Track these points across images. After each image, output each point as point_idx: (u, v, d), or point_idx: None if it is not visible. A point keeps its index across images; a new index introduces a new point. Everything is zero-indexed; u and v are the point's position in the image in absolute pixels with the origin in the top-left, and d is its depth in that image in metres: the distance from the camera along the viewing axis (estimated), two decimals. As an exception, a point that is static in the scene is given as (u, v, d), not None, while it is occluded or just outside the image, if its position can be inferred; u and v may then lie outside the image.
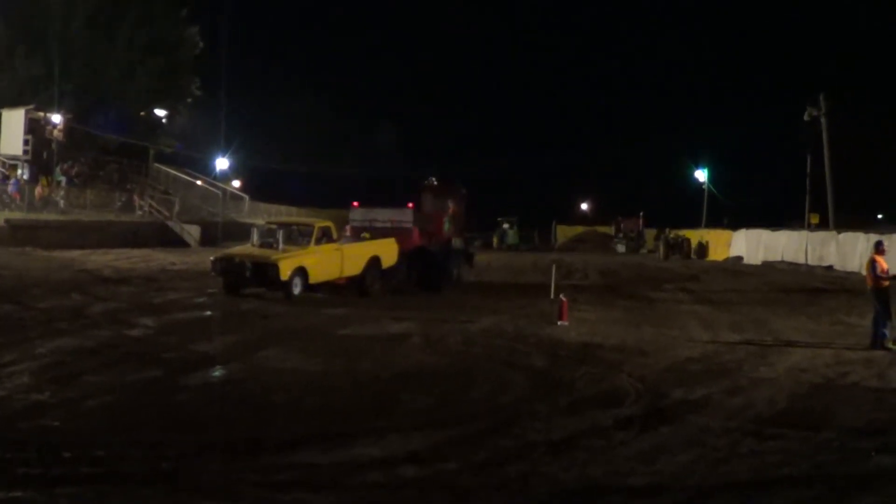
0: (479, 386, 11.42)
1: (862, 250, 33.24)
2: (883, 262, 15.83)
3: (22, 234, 32.13)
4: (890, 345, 15.28)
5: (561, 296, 18.60)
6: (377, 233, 24.36)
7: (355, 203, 26.45)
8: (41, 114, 44.53)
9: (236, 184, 64.77)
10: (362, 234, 24.19)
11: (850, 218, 44.94)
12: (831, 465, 8.21)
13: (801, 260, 40.40)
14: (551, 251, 59.80)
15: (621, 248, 62.84)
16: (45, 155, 44.59)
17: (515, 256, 50.40)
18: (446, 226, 27.14)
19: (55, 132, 44.98)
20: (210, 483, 7.11)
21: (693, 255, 52.67)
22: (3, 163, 42.65)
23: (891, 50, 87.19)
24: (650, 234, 63.94)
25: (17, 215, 35.53)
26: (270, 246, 21.17)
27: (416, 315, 18.35)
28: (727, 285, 30.31)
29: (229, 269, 20.70)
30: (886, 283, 15.62)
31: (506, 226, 63.40)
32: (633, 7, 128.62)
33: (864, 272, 17.56)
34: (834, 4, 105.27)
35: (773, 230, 46.24)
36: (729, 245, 50.75)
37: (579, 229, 74.06)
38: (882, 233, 30.42)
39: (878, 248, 16.40)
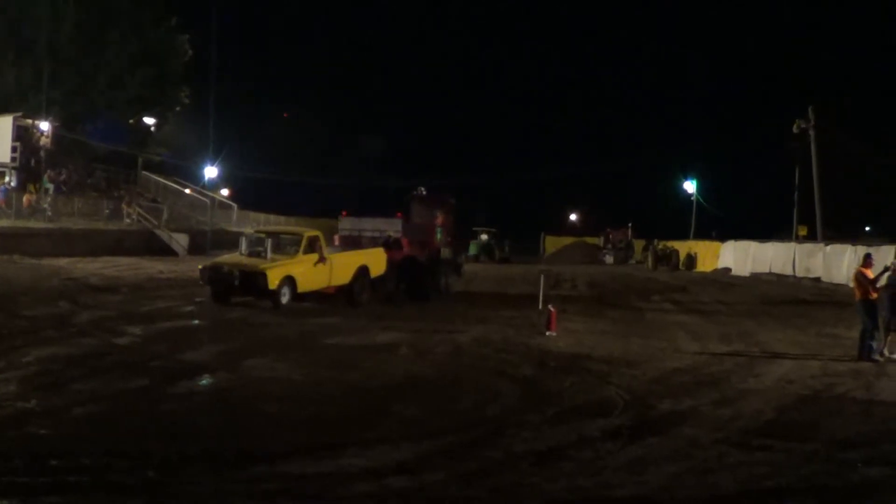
0: (467, 396, 11.42)
1: (849, 262, 33.37)
2: (871, 275, 15.91)
3: (9, 241, 31.95)
4: (877, 356, 15.36)
5: (549, 306, 18.62)
6: (366, 242, 24.43)
7: (344, 212, 26.51)
8: (29, 121, 44.38)
9: (225, 192, 64.60)
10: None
11: (838, 230, 45.08)
12: (818, 477, 8.23)
13: (789, 272, 40.53)
14: (539, 262, 59.79)
15: (610, 259, 62.82)
16: (33, 162, 44.43)
17: (503, 267, 50.45)
18: (438, 236, 27.17)
19: (43, 139, 44.84)
20: (197, 493, 7.08)
21: (681, 267, 52.80)
22: (-9, 170, 42.51)
23: (880, 62, 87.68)
24: (639, 245, 64.06)
25: (4, 223, 35.38)
26: (259, 255, 21.13)
27: (404, 325, 18.35)
28: (715, 297, 30.38)
29: (217, 277, 20.63)
30: (874, 294, 15.69)
31: (484, 237, 62.82)
32: (622, 20, 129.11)
33: (851, 284, 17.63)
34: (823, 18, 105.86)
35: (761, 242, 46.38)
36: (717, 256, 50.90)
37: (568, 240, 74.05)
38: (870, 245, 30.55)
39: (867, 261, 16.48)
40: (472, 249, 59.66)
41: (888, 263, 16.56)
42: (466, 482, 7.67)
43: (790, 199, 47.40)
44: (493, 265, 52.64)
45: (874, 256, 17.24)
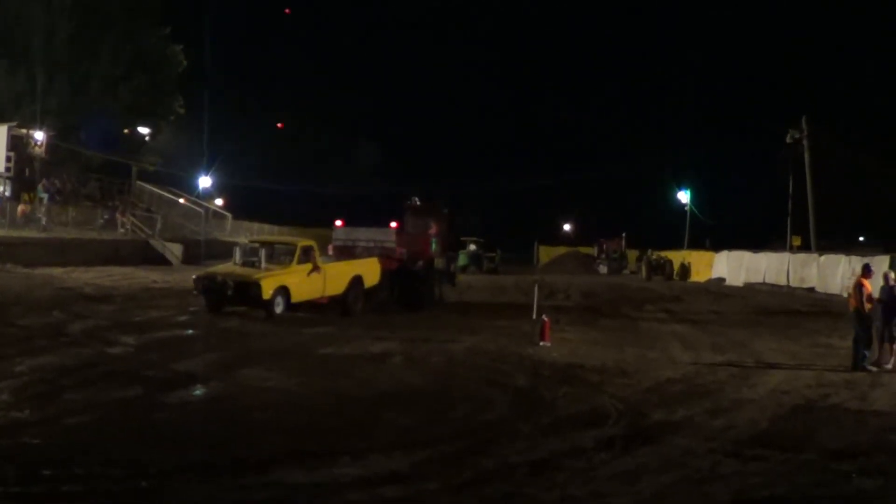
0: (461, 405, 11.39)
1: (843, 272, 33.44)
2: (868, 287, 15.92)
3: (3, 251, 31.90)
4: (871, 367, 15.37)
5: (543, 316, 18.61)
6: (360, 252, 24.49)
7: (338, 222, 26.48)
8: (24, 130, 44.43)
9: (219, 202, 64.55)
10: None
11: (832, 240, 45.16)
12: (812, 487, 8.23)
13: (783, 282, 40.58)
14: (532, 271, 59.62)
15: (603, 268, 62.75)
16: (27, 172, 44.49)
17: (497, 277, 50.44)
18: (433, 246, 27.15)
19: (37, 149, 44.87)
20: (190, 502, 7.07)
21: (675, 277, 52.82)
22: (-15, 179, 42.48)
23: (873, 73, 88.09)
24: (632, 254, 64.04)
25: (-2, 232, 35.36)
26: (253, 265, 21.13)
27: (397, 334, 18.33)
28: (709, 307, 30.38)
29: (211, 287, 20.60)
30: (870, 306, 15.71)
31: (472, 246, 62.07)
32: (615, 30, 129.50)
33: (845, 294, 17.63)
34: (816, 29, 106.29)
35: (755, 252, 46.45)
36: (711, 266, 50.94)
37: (562, 250, 74.02)
38: (864, 255, 30.62)
39: (866, 272, 16.47)
40: (462, 260, 58.76)
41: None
42: (459, 491, 7.66)
43: (784, 209, 47.47)
44: (483, 276, 52.43)
45: (872, 267, 17.25)
